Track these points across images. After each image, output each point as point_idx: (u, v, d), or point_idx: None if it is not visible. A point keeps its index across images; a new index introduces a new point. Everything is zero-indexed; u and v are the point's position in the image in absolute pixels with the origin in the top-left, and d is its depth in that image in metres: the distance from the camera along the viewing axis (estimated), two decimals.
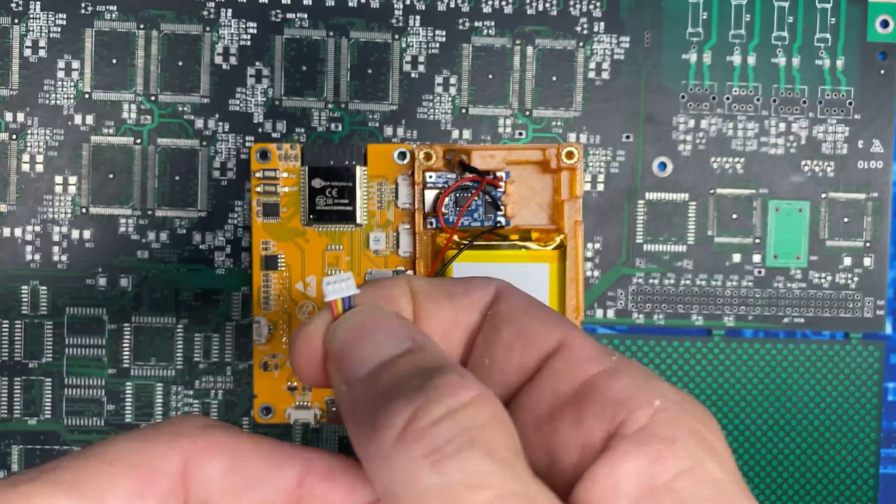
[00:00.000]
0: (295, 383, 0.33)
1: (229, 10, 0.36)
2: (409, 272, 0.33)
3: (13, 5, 0.35)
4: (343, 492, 0.19)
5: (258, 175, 0.33)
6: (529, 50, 0.36)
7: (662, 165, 0.37)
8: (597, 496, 0.18)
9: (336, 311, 0.21)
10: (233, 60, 0.36)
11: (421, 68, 0.36)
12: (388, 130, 0.36)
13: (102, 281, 0.36)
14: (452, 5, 0.36)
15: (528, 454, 0.20)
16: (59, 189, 0.35)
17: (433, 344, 0.20)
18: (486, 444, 0.17)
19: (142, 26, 0.35)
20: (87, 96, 0.35)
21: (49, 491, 0.18)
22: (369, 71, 0.36)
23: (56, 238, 0.36)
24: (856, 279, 0.37)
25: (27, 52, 0.35)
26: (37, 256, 0.36)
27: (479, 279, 0.23)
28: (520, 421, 0.21)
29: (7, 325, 0.36)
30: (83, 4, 0.35)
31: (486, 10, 0.36)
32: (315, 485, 0.19)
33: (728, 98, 0.37)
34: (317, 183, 0.33)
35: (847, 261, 0.37)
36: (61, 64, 0.35)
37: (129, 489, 0.18)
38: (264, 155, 0.33)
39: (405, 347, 0.19)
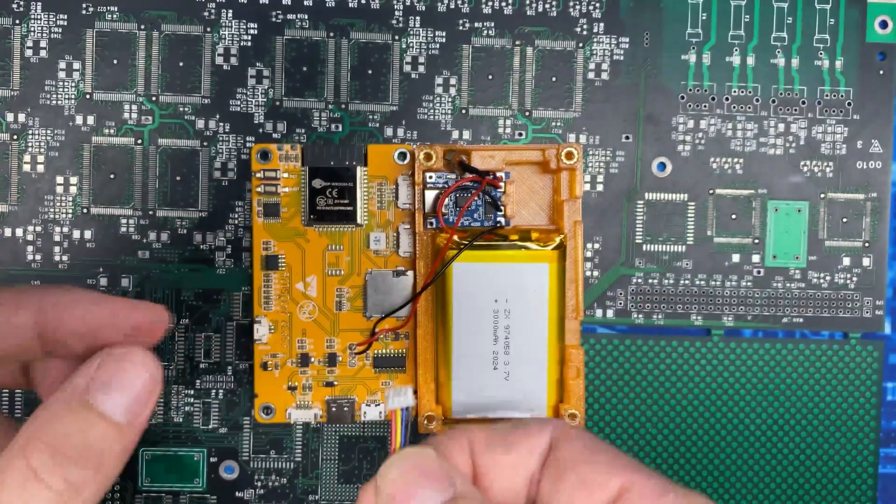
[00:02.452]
0: (295, 383, 0.33)
1: (230, 11, 0.36)
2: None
3: (14, 6, 0.35)
4: (80, 316, 0.22)
5: (259, 175, 0.33)
6: (529, 51, 0.36)
7: (662, 166, 0.37)
8: None
9: (395, 421, 0.25)
10: (233, 61, 0.36)
11: (421, 69, 0.36)
12: (389, 131, 0.36)
13: (104, 281, 0.36)
14: (452, 6, 0.36)
15: None
16: (60, 189, 0.36)
17: (473, 490, 0.23)
18: None
19: (143, 27, 0.36)
20: (87, 97, 0.36)
21: None
22: (369, 72, 0.36)
23: (57, 238, 0.36)
24: (855, 279, 0.37)
25: (28, 53, 0.35)
26: (38, 257, 0.36)
27: (535, 423, 0.25)
28: None
29: None
30: (84, 5, 0.35)
31: (486, 10, 0.36)
32: (51, 315, 0.22)
33: (727, 98, 0.37)
34: (317, 183, 0.33)
35: (846, 261, 0.37)
36: (62, 64, 0.35)
37: None
38: (265, 155, 0.33)
39: (448, 496, 0.22)
